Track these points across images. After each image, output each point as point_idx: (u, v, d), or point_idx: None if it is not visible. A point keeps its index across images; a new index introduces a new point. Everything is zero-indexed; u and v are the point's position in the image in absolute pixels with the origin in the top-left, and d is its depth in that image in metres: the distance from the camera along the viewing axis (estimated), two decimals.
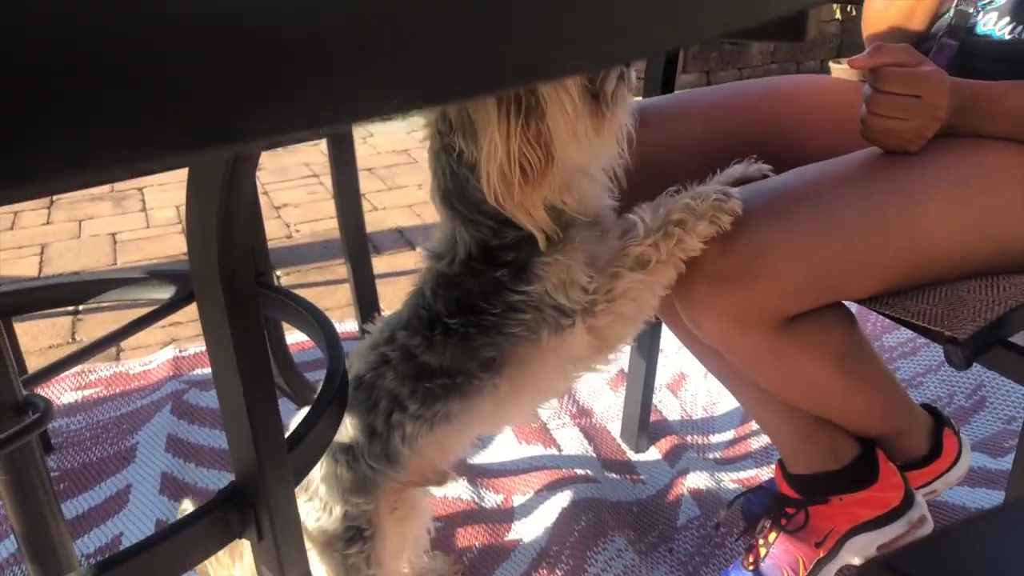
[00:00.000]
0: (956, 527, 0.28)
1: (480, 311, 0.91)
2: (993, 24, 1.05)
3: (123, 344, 2.07)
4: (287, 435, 0.88)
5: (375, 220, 2.82)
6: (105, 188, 3.20)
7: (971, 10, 1.07)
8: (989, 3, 1.06)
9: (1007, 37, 1.04)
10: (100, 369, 1.92)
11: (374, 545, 1.04)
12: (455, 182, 0.89)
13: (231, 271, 0.69)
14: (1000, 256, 0.98)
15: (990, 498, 1.39)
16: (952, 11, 1.09)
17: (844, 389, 1.05)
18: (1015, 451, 0.97)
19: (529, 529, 1.37)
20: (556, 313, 0.91)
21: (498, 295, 0.90)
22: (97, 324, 2.17)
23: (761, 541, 1.18)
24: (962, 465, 1.21)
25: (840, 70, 4.14)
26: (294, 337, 1.86)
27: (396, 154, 3.57)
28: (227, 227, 0.68)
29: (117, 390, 1.84)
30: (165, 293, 1.27)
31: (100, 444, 1.65)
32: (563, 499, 1.43)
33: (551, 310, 0.91)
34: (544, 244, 0.89)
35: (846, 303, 1.02)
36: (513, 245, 0.90)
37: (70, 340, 2.11)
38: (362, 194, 2.26)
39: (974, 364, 0.87)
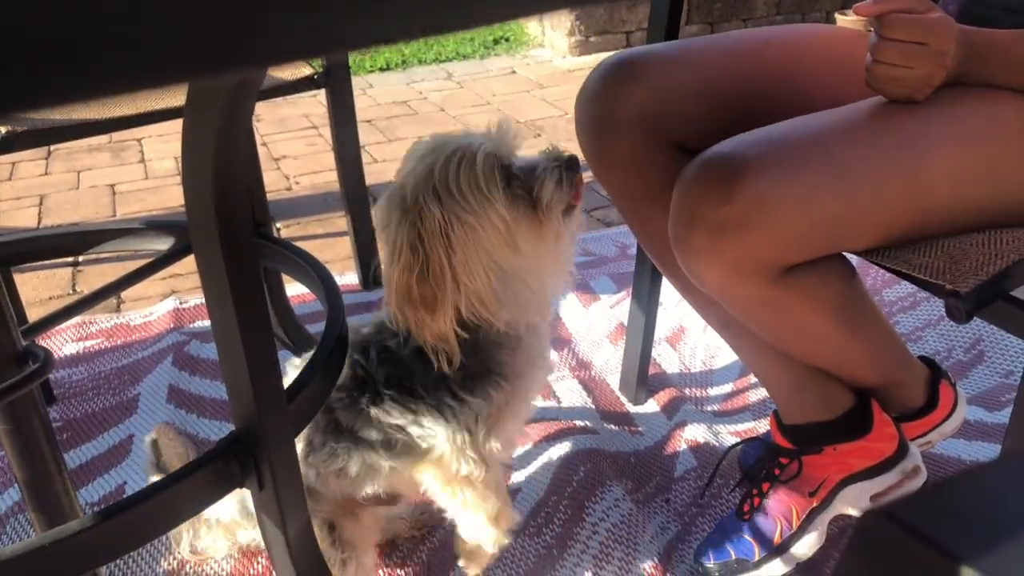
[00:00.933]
0: (959, 477, 0.28)
1: (415, 395, 0.96)
2: None
3: (124, 296, 2.07)
4: (287, 386, 0.89)
5: (375, 172, 2.80)
6: (103, 139, 3.17)
7: None
8: None
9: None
10: (101, 321, 1.92)
11: (340, 532, 1.05)
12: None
13: (227, 217, 0.69)
14: (1002, 210, 0.97)
15: (986, 451, 1.40)
16: None
17: (842, 340, 1.05)
18: (1012, 405, 0.97)
19: (528, 479, 1.39)
20: (464, 443, 0.97)
21: (437, 390, 0.95)
22: (97, 276, 2.17)
23: (755, 491, 1.19)
24: (957, 416, 1.22)
25: (846, 21, 4.08)
26: (294, 290, 1.86)
27: (396, 105, 3.53)
28: (223, 172, 0.67)
29: (118, 341, 1.85)
30: (164, 244, 1.27)
31: (102, 395, 1.66)
32: (562, 450, 1.44)
33: (467, 432, 0.97)
34: (444, 366, 0.92)
35: (847, 256, 1.02)
36: (471, 348, 0.94)
37: (70, 292, 2.11)
38: (362, 146, 2.24)
39: (973, 318, 0.87)
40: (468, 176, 0.88)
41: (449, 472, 0.99)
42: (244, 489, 0.88)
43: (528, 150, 0.99)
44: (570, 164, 0.95)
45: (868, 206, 0.92)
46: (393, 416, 0.97)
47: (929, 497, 0.28)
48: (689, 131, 1.10)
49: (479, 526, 1.05)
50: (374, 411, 0.97)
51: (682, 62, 1.11)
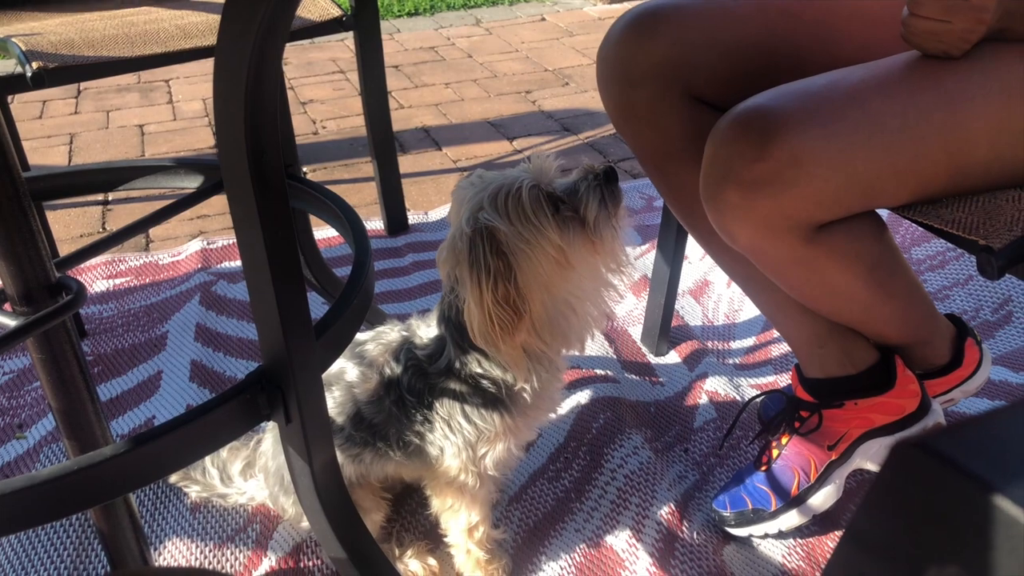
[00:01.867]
0: (991, 412, 0.28)
1: (432, 408, 1.02)
2: None
3: (152, 235, 2.09)
4: (314, 324, 0.90)
5: (401, 118, 2.79)
6: (132, 79, 3.17)
7: None
8: None
9: None
10: (130, 259, 1.95)
11: (352, 495, 1.09)
12: (458, 316, 0.97)
13: (259, 153, 0.69)
14: None
15: None
16: None
17: (872, 298, 1.04)
18: None
19: (548, 425, 1.40)
20: (469, 460, 1.04)
21: (452, 409, 1.01)
22: (127, 214, 2.20)
23: (775, 443, 1.20)
24: (982, 374, 1.21)
25: None
26: (321, 234, 1.87)
27: (423, 51, 3.50)
28: (254, 107, 0.67)
29: (147, 280, 1.87)
30: (193, 182, 1.28)
31: (132, 331, 1.69)
32: (582, 397, 1.46)
33: (471, 450, 1.03)
34: (520, 383, 1.00)
35: (878, 211, 1.00)
36: (493, 378, 1.00)
37: (100, 230, 2.14)
38: (389, 92, 2.23)
39: (1004, 277, 0.86)
40: (517, 210, 0.92)
41: (448, 479, 1.07)
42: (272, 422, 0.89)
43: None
44: (608, 178, 0.98)
45: (905, 163, 0.90)
46: (413, 421, 1.04)
47: (961, 429, 0.28)
48: (712, 84, 1.09)
49: (455, 531, 1.13)
50: (396, 412, 1.04)
51: (707, 14, 1.09)
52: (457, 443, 1.02)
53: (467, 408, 1.01)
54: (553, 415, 1.22)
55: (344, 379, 1.06)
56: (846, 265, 0.98)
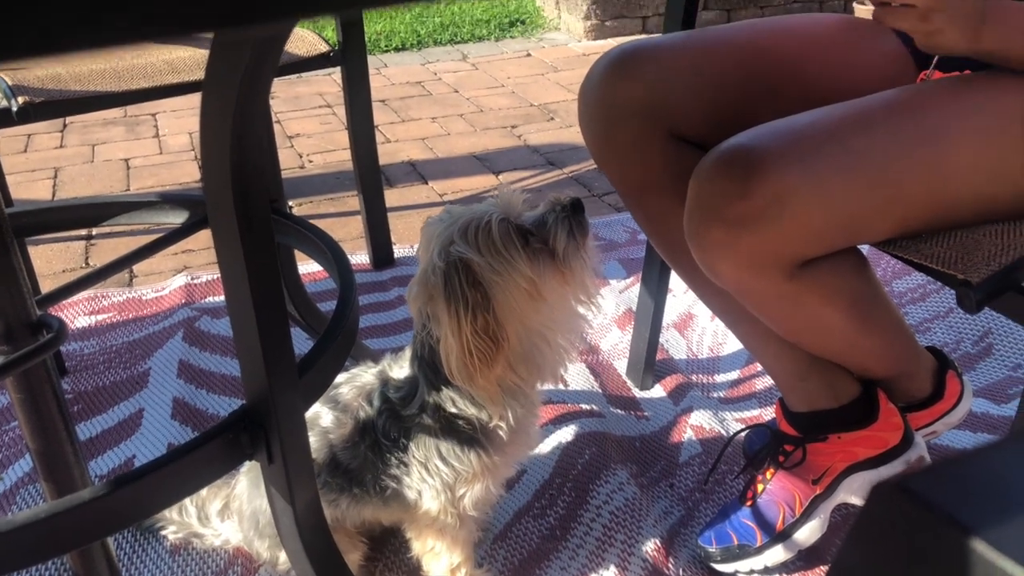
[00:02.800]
0: (971, 452, 0.28)
1: (408, 451, 1.02)
2: None
3: (136, 270, 2.08)
4: (298, 361, 0.89)
5: (388, 152, 2.80)
6: (118, 113, 3.18)
7: None
8: None
9: None
10: (113, 294, 1.94)
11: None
12: (431, 355, 0.98)
13: (244, 189, 0.69)
14: (1017, 202, 0.97)
15: None
16: None
17: (854, 333, 1.05)
18: (1020, 398, 0.97)
19: (533, 461, 1.40)
20: (448, 502, 1.04)
21: (429, 452, 1.01)
22: (110, 249, 2.19)
23: (760, 478, 1.20)
24: (963, 407, 1.22)
25: (863, 10, 4.04)
26: (306, 268, 1.87)
27: (410, 86, 3.53)
28: (240, 143, 0.67)
29: (130, 315, 1.86)
30: (178, 218, 1.28)
31: (113, 368, 1.68)
32: (568, 433, 1.45)
33: (449, 491, 1.03)
34: (496, 419, 0.99)
35: (859, 245, 1.02)
36: (468, 417, 1.00)
37: (83, 265, 2.13)
38: (375, 126, 2.24)
39: (983, 310, 0.87)
40: (488, 243, 0.93)
41: (428, 521, 1.06)
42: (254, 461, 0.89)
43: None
44: (575, 208, 0.99)
45: (886, 200, 0.91)
46: (389, 465, 1.03)
47: (941, 471, 0.28)
48: (691, 122, 1.11)
49: (438, 574, 1.12)
50: (371, 457, 1.03)
51: (684, 54, 1.11)
52: (435, 485, 1.02)
53: (443, 449, 1.01)
54: (531, 451, 1.21)
55: (318, 424, 1.05)
56: (829, 300, 0.98)
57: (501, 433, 1.01)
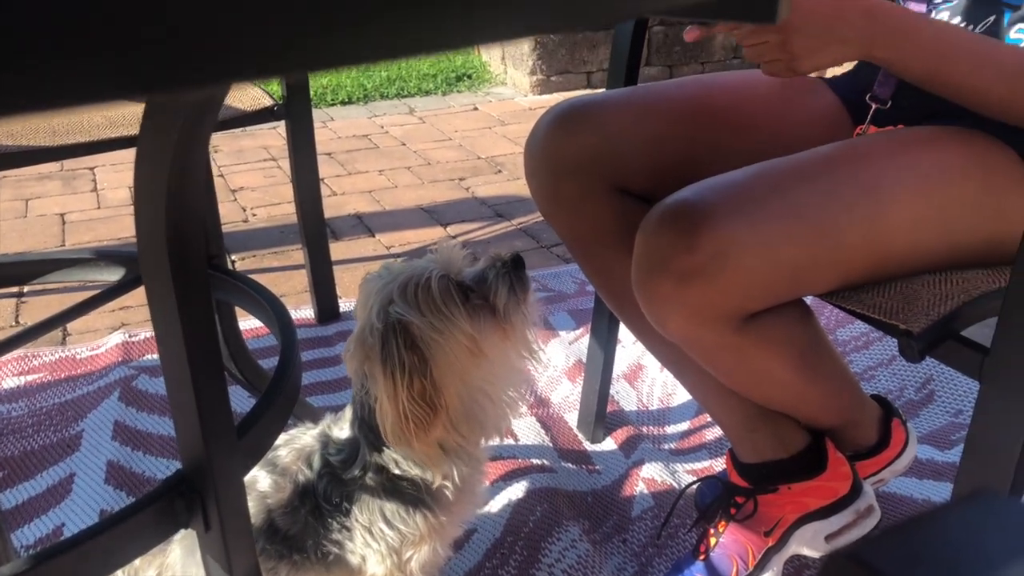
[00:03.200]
0: (923, 517, 0.28)
1: (350, 515, 0.99)
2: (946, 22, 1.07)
3: (70, 329, 2.01)
4: (237, 422, 0.86)
5: (334, 205, 2.78)
6: (54, 166, 3.11)
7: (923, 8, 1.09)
8: (941, 3, 1.07)
9: None
10: (45, 354, 1.86)
11: None
12: (371, 415, 0.95)
13: (180, 246, 0.67)
14: (953, 253, 0.99)
15: (937, 490, 1.42)
16: None
17: (801, 383, 1.06)
18: (963, 444, 0.98)
19: (484, 519, 1.36)
20: (395, 566, 1.01)
21: (372, 515, 0.99)
22: (42, 307, 2.11)
23: (712, 531, 1.19)
24: (908, 454, 1.23)
25: None
26: (248, 324, 1.83)
27: (357, 139, 3.53)
28: (177, 198, 0.65)
29: (63, 375, 1.79)
30: (114, 274, 1.24)
31: (43, 431, 1.61)
32: (519, 489, 1.42)
33: (395, 555, 1.00)
34: (437, 481, 0.97)
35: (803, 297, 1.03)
36: (412, 478, 0.98)
37: (13, 323, 2.05)
38: (321, 179, 2.22)
39: (925, 358, 0.88)
40: (427, 301, 0.92)
41: None
42: (190, 530, 0.84)
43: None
44: (515, 264, 0.99)
45: (828, 253, 0.93)
46: (330, 530, 1.00)
47: (892, 539, 0.27)
48: (636, 175, 1.13)
49: None
50: (312, 522, 1.00)
51: (628, 109, 1.14)
52: (380, 549, 0.98)
53: (388, 512, 0.98)
54: (479, 510, 1.18)
55: (256, 489, 1.01)
56: (776, 352, 0.99)
57: (447, 493, 0.98)
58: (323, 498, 0.99)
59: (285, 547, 1.01)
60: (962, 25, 1.05)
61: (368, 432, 0.97)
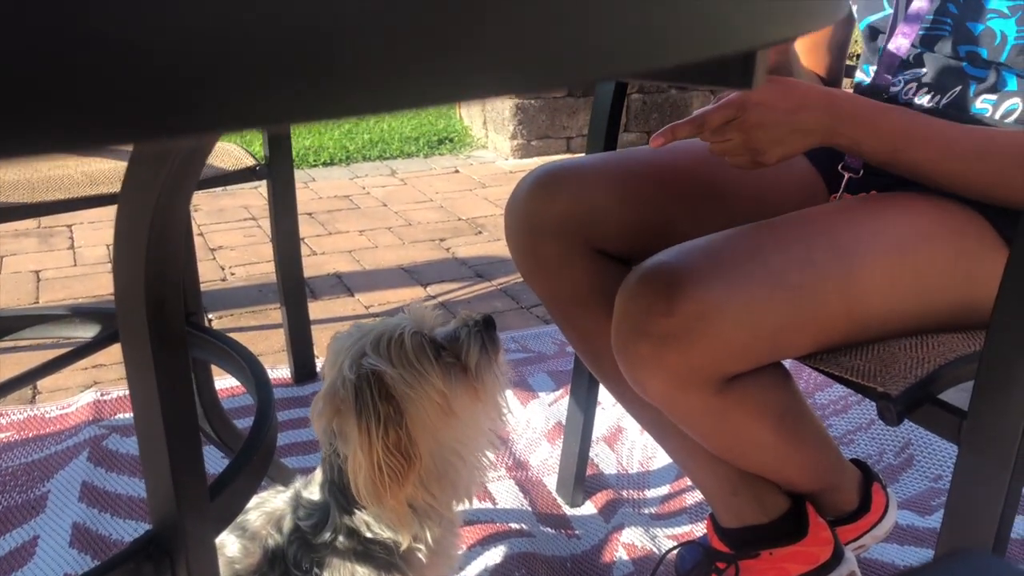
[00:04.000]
0: (909, 573, 0.27)
1: None
2: (913, 94, 1.10)
3: (40, 387, 1.97)
4: (210, 483, 0.84)
5: (314, 264, 2.78)
6: (31, 223, 3.09)
7: (891, 87, 1.12)
8: (910, 77, 1.11)
9: (927, 106, 1.09)
10: (13, 412, 1.82)
11: None
12: (340, 477, 0.95)
13: (158, 304, 0.66)
14: (929, 316, 1.00)
15: (918, 555, 1.41)
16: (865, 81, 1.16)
17: (780, 447, 1.06)
18: (943, 509, 0.98)
19: None
20: None
21: None
22: (14, 364, 2.07)
23: None
24: (889, 519, 1.22)
25: None
26: (224, 383, 1.80)
27: (338, 199, 3.55)
28: (156, 256, 0.65)
29: (30, 434, 1.75)
30: (89, 331, 1.22)
31: (7, 493, 1.56)
32: (496, 554, 1.40)
33: None
34: (407, 542, 0.95)
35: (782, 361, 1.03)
36: (384, 542, 0.96)
37: None
38: (301, 238, 2.23)
39: (904, 421, 0.88)
40: (400, 355, 0.92)
41: None
42: None
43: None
44: (487, 325, 1.00)
45: (806, 317, 0.94)
46: None
47: None
48: (613, 239, 1.15)
49: None
50: None
51: (606, 174, 1.16)
52: None
53: None
54: (454, 575, 1.16)
55: (225, 554, 0.98)
56: (755, 415, 0.99)
57: (420, 556, 0.96)
58: (293, 564, 0.96)
59: None
60: (929, 95, 1.09)
61: (339, 494, 0.95)
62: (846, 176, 1.13)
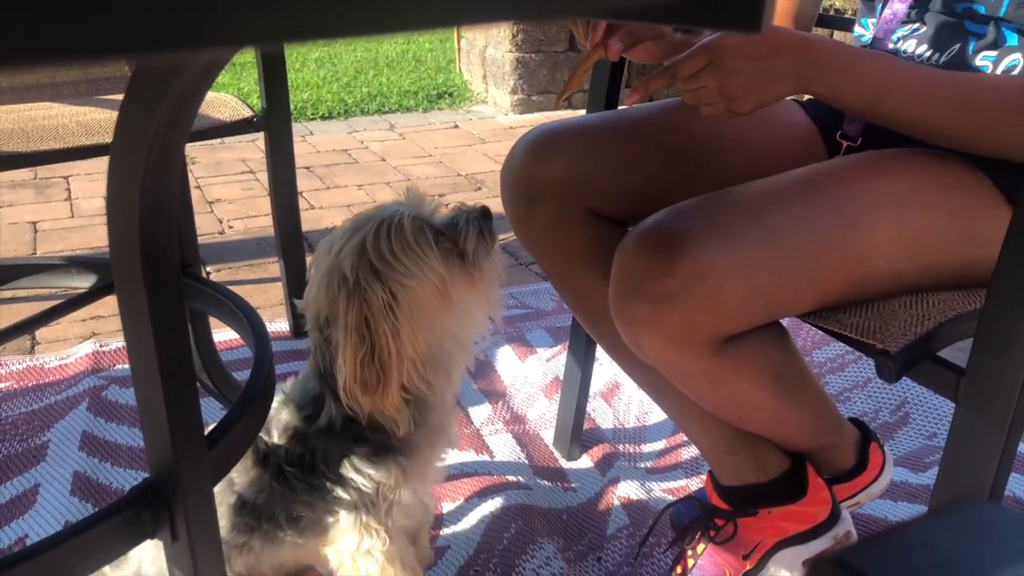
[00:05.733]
0: (906, 524, 0.27)
1: (316, 471, 0.97)
2: (913, 51, 1.08)
3: (39, 337, 1.97)
4: (207, 431, 0.84)
5: (312, 219, 2.76)
6: (27, 174, 3.07)
7: (889, 44, 1.10)
8: (909, 34, 1.09)
9: (928, 61, 1.07)
10: (12, 362, 1.83)
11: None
12: (333, 365, 0.95)
13: (153, 250, 0.66)
14: (928, 275, 1.00)
15: (911, 511, 1.42)
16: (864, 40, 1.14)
17: (779, 406, 1.05)
18: (937, 467, 0.99)
19: (458, 536, 1.35)
20: (368, 516, 0.98)
21: (339, 466, 0.96)
22: (12, 315, 2.07)
23: (689, 552, 1.18)
24: (885, 477, 1.23)
25: None
26: (223, 335, 1.80)
27: (336, 153, 3.52)
28: (150, 201, 0.64)
29: (30, 384, 1.75)
30: (85, 281, 1.22)
31: (7, 441, 1.57)
32: (493, 506, 1.41)
33: (371, 505, 0.98)
34: (403, 430, 0.95)
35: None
36: (378, 427, 0.96)
37: None
38: (299, 192, 2.21)
39: (902, 379, 0.88)
40: (400, 241, 0.92)
41: (352, 546, 1.00)
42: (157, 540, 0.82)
43: (469, 202, 1.04)
44: (484, 215, 1.00)
45: (804, 276, 0.93)
46: (297, 493, 0.98)
47: (874, 545, 0.27)
48: (609, 200, 1.14)
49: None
50: (277, 487, 0.97)
51: (603, 135, 1.14)
52: (355, 500, 0.96)
53: (358, 462, 0.96)
54: (452, 449, 1.14)
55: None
56: (753, 375, 0.99)
57: (418, 438, 0.98)
58: (285, 461, 0.96)
59: (254, 518, 0.98)
60: (928, 53, 1.06)
61: (332, 381, 0.95)
62: (844, 145, 1.11)
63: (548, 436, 1.63)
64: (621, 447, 1.62)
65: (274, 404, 1.01)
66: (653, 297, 0.90)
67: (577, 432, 1.57)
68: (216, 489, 0.97)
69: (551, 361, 1.90)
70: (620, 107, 1.33)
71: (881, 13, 1.10)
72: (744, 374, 0.99)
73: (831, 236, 0.93)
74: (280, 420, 0.98)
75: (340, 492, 0.96)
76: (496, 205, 1.09)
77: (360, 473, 0.96)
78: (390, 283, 0.90)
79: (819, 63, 0.94)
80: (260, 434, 0.98)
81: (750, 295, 0.91)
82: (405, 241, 0.91)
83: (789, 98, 1.19)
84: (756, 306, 0.93)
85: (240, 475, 0.99)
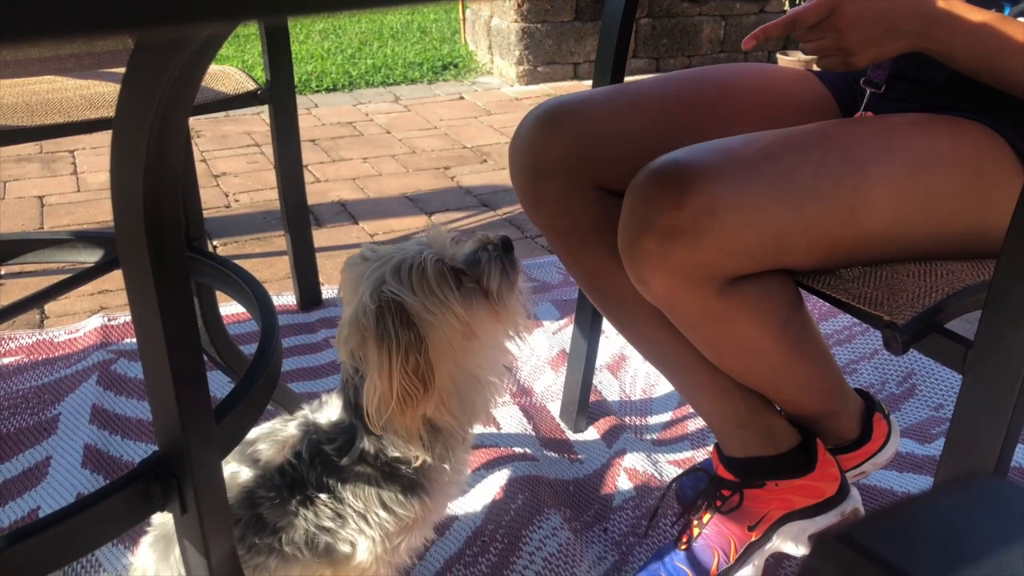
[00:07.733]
0: (914, 500, 0.27)
1: (344, 502, 0.98)
2: None
3: (48, 311, 1.98)
4: (215, 406, 0.85)
5: (317, 192, 2.76)
6: (33, 148, 3.06)
7: None
8: None
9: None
10: (22, 336, 1.84)
11: None
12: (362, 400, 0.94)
13: (157, 223, 0.66)
14: (937, 240, 0.99)
15: (917, 483, 1.43)
16: None
17: (782, 357, 1.05)
18: (943, 438, 0.99)
19: (465, 507, 1.36)
20: (385, 551, 1.00)
21: (369, 502, 0.97)
22: (19, 290, 2.08)
23: (695, 521, 1.18)
24: (891, 448, 1.23)
25: (787, 60, 4.20)
26: (229, 309, 1.81)
27: (341, 126, 3.50)
28: (155, 173, 0.64)
29: (40, 358, 1.76)
30: (92, 256, 1.22)
31: (19, 414, 1.58)
32: (500, 477, 1.42)
33: (388, 540, 0.99)
34: (426, 458, 0.96)
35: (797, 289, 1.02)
36: (409, 461, 0.97)
37: None
38: (305, 165, 2.20)
39: (909, 351, 0.88)
40: (422, 283, 0.91)
41: (357, 574, 1.02)
42: (167, 513, 0.83)
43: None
44: (505, 248, 0.99)
45: (813, 221, 0.93)
46: (322, 519, 0.98)
47: (882, 521, 0.27)
48: (617, 174, 1.13)
49: None
50: (304, 512, 0.98)
51: (611, 109, 1.13)
52: (374, 535, 0.97)
53: (385, 496, 0.97)
54: (462, 494, 1.18)
55: (237, 481, 0.99)
56: (757, 320, 0.99)
57: (443, 475, 0.98)
58: (315, 487, 0.97)
59: (275, 539, 0.99)
60: None
61: (364, 416, 0.96)
62: (868, 92, 1.10)
63: (555, 408, 1.63)
64: (627, 419, 1.62)
65: (295, 426, 1.01)
66: (662, 231, 0.90)
67: (583, 404, 1.57)
68: (235, 506, 0.97)
69: (557, 334, 1.91)
70: (627, 79, 1.32)
71: None
72: (748, 317, 0.98)
73: (843, 184, 0.93)
74: (309, 445, 0.99)
75: (364, 525, 0.98)
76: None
77: (388, 510, 0.97)
78: (417, 325, 0.90)
79: (940, 19, 0.95)
80: (287, 455, 0.99)
81: (758, 234, 0.92)
82: (427, 284, 0.91)
83: (803, 68, 1.18)
84: (763, 247, 0.93)
85: (256, 489, 0.99)
